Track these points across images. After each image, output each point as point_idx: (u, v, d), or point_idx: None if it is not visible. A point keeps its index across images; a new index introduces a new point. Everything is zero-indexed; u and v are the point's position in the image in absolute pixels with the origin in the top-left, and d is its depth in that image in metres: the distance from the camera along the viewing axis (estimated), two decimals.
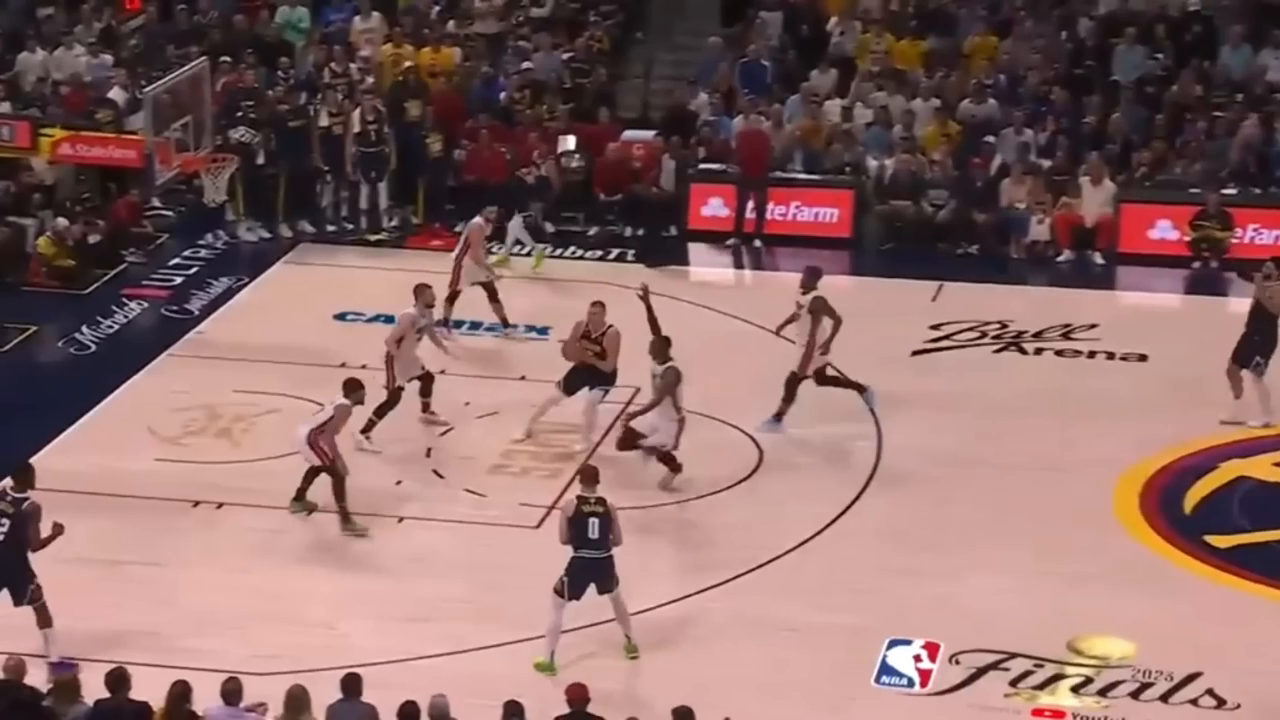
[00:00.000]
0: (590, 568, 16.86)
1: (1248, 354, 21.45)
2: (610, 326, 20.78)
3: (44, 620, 16.73)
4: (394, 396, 21.02)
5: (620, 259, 26.65)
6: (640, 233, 27.26)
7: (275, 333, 23.94)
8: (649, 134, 28.59)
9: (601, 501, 17.01)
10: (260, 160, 27.13)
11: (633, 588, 17.32)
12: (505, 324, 23.88)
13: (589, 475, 17.31)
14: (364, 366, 21.60)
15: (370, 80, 29.05)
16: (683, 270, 26.70)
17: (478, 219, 24.06)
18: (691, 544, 19.25)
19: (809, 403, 21.56)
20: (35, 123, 24.68)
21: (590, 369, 20.78)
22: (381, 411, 20.91)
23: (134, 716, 14.55)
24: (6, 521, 16.58)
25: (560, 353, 21.06)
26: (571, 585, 16.85)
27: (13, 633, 16.65)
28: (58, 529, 16.71)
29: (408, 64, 29.51)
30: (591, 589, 16.90)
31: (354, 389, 19.50)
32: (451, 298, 23.59)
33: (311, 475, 19.37)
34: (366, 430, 20.79)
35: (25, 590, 16.64)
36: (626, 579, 17.15)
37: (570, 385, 20.93)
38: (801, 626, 17.67)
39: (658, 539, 19.15)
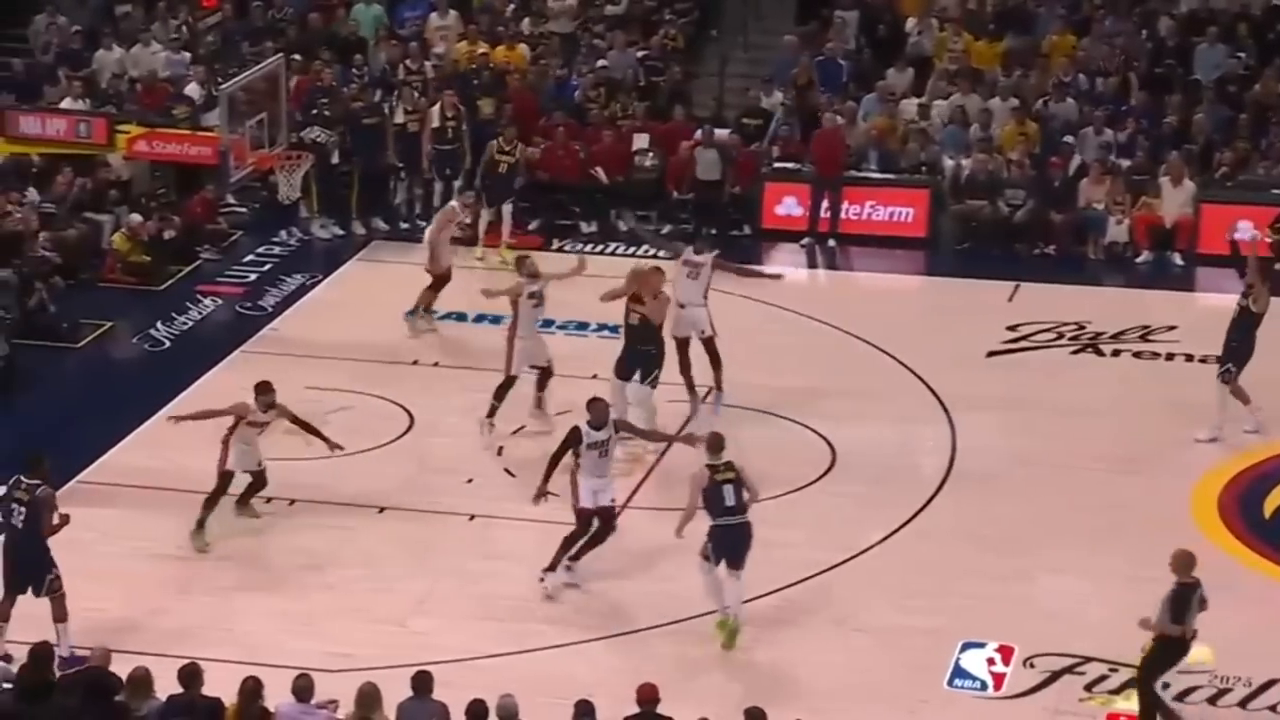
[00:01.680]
0: (730, 533, 17.00)
1: (1221, 359, 21.07)
2: (662, 292, 20.59)
3: (60, 614, 16.70)
4: (509, 380, 20.91)
5: None
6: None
7: (348, 330, 23.95)
8: (724, 132, 28.43)
9: (730, 466, 17.13)
10: (335, 158, 27.18)
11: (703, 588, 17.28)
12: (426, 309, 23.67)
13: (714, 443, 17.32)
14: (436, 364, 21.58)
15: (446, 78, 29.06)
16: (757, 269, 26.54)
17: (453, 202, 24.10)
18: (764, 544, 19.00)
19: (883, 401, 21.49)
20: (112, 119, 24.74)
21: (642, 352, 20.50)
22: (500, 393, 20.84)
23: (206, 712, 14.53)
24: (23, 509, 16.62)
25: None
26: (716, 551, 17.00)
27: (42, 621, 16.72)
28: (64, 519, 16.78)
29: (481, 51, 29.53)
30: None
31: (264, 392, 18.97)
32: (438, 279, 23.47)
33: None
34: (490, 414, 20.75)
35: (44, 580, 16.66)
36: (694, 582, 17.13)
37: (623, 370, 20.74)
38: (874, 628, 17.55)
39: None
